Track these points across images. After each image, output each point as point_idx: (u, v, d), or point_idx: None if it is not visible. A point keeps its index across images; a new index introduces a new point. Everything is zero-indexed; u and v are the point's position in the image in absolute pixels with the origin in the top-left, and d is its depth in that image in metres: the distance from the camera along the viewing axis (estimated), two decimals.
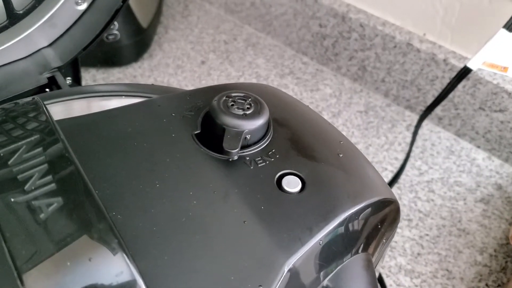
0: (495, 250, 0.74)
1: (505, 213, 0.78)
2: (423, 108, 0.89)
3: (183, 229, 0.31)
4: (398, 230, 0.76)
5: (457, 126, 0.87)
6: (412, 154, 0.85)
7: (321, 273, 0.32)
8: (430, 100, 0.87)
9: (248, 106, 0.36)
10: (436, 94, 0.85)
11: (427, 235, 0.75)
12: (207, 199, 0.33)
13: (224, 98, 0.37)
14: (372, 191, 0.36)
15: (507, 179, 0.83)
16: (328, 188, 0.35)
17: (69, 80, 0.55)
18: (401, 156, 0.85)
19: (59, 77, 0.50)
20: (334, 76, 0.98)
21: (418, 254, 0.73)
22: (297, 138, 0.38)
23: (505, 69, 0.65)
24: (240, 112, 0.36)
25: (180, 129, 0.37)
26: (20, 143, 0.28)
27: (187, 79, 0.96)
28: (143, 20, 0.99)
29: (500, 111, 0.80)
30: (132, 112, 0.39)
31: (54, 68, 0.51)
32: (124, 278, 0.24)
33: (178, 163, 0.35)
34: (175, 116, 0.38)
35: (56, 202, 0.25)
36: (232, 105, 0.36)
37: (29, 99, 0.32)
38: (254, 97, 0.37)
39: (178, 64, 0.99)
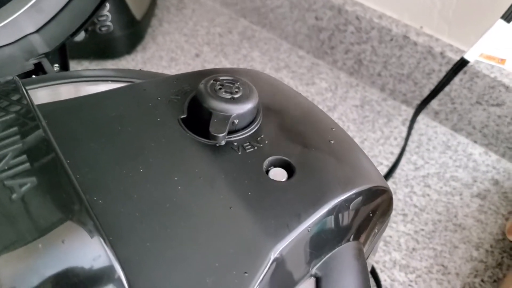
0: (491, 246, 0.73)
1: (502, 208, 0.77)
2: (419, 102, 0.88)
3: (167, 215, 0.30)
4: (393, 224, 0.75)
5: (453, 120, 0.86)
6: (408, 148, 0.84)
7: (310, 261, 0.31)
8: (426, 94, 0.86)
9: (236, 90, 0.35)
10: (433, 88, 0.84)
11: (423, 230, 0.74)
12: (193, 185, 0.32)
13: (212, 81, 0.35)
14: (364, 178, 0.35)
15: (503, 175, 0.82)
16: (318, 174, 0.33)
17: (56, 67, 0.54)
18: (397, 151, 0.84)
19: (46, 64, 0.49)
20: (330, 70, 0.97)
21: (413, 249, 0.72)
22: (287, 124, 0.37)
23: (502, 61, 0.64)
24: (228, 96, 0.35)
25: (166, 113, 0.36)
26: None
27: (181, 72, 0.95)
28: (137, 12, 0.98)
29: (497, 105, 0.79)
30: (117, 96, 0.37)
31: (41, 55, 0.50)
32: (100, 262, 0.23)
33: (163, 148, 0.34)
34: (161, 100, 0.37)
35: (30, 182, 0.24)
36: (220, 88, 0.35)
37: (7, 78, 0.31)
38: (242, 81, 0.36)
39: (172, 56, 0.98)
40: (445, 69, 0.81)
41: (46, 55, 0.50)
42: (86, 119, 0.35)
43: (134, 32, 0.98)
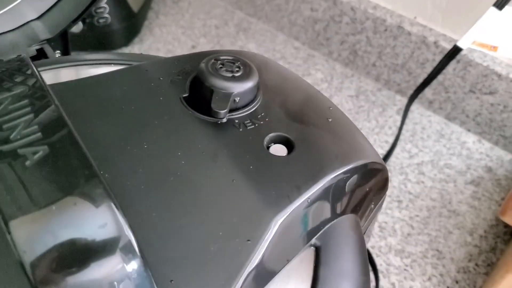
0: (485, 231, 0.74)
1: (495, 194, 0.79)
2: (414, 91, 0.89)
3: (172, 187, 0.31)
4: (388, 211, 0.76)
5: (447, 109, 0.87)
6: (402, 137, 0.86)
7: (309, 231, 0.32)
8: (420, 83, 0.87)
9: (237, 68, 0.36)
10: (427, 76, 0.85)
11: (417, 216, 0.75)
12: (196, 159, 0.33)
13: (213, 60, 0.36)
14: (361, 154, 0.36)
15: (497, 162, 0.83)
16: (316, 149, 0.34)
17: (58, 53, 0.55)
18: (392, 140, 0.85)
19: (48, 49, 0.50)
20: (325, 61, 0.98)
21: (408, 234, 0.73)
22: (286, 103, 0.38)
23: (494, 48, 0.65)
24: (229, 74, 0.36)
25: (168, 92, 0.37)
26: (5, 95, 0.28)
27: None
28: (134, 4, 0.98)
29: (490, 93, 0.81)
30: (119, 76, 0.38)
31: (43, 41, 0.51)
32: (111, 226, 0.24)
33: (166, 125, 0.35)
34: (163, 80, 0.38)
35: (42, 150, 0.25)
36: (221, 67, 0.36)
37: (14, 56, 0.32)
38: (243, 60, 0.37)
39: (169, 48, 0.99)
40: (439, 58, 0.83)
41: (48, 41, 0.51)
42: (90, 99, 0.36)
43: (131, 25, 0.99)
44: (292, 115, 0.37)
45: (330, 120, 0.37)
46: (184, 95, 0.36)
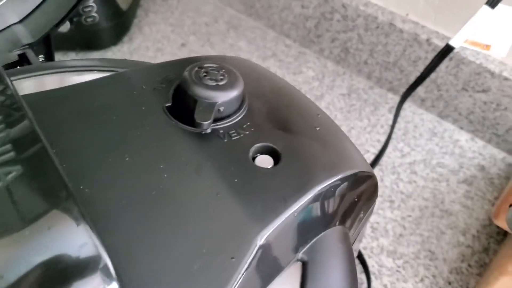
0: (477, 231, 0.74)
1: (488, 194, 0.78)
2: (405, 90, 0.88)
3: (153, 202, 0.30)
4: (380, 211, 0.75)
5: (440, 107, 0.87)
6: (394, 136, 0.85)
7: (296, 246, 0.31)
8: (412, 81, 0.87)
9: (221, 77, 0.35)
10: (419, 75, 0.85)
11: (410, 216, 0.75)
12: (179, 172, 0.32)
13: (196, 68, 0.35)
14: (349, 164, 0.35)
15: (490, 160, 0.83)
16: (304, 160, 0.34)
17: (41, 58, 0.54)
18: (384, 138, 0.84)
19: (31, 54, 0.49)
20: (317, 59, 0.97)
21: (400, 235, 0.73)
22: (273, 111, 0.37)
23: (487, 47, 0.64)
24: (213, 83, 0.35)
25: (150, 101, 0.36)
26: None
27: None
28: (123, 2, 0.97)
29: (483, 91, 0.80)
30: (101, 85, 0.37)
31: (25, 45, 0.49)
32: (87, 249, 0.23)
33: (149, 136, 0.34)
34: (146, 88, 0.37)
35: (15, 170, 0.24)
36: (205, 75, 0.35)
37: None
38: (227, 68, 0.36)
39: (158, 47, 0.98)
40: (431, 56, 0.82)
41: (31, 45, 0.50)
42: (71, 109, 0.35)
43: (120, 23, 0.98)
44: (279, 124, 0.36)
45: (318, 128, 0.36)
46: (167, 104, 0.35)
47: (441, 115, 0.87)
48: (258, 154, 0.34)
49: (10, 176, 0.24)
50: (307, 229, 0.32)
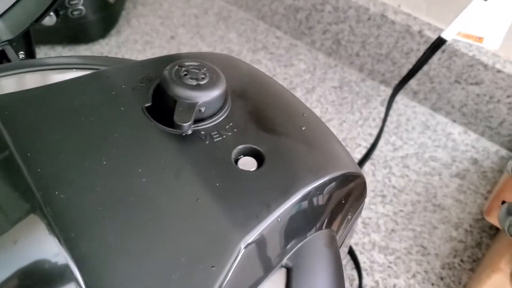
0: (470, 226, 0.73)
1: (481, 188, 0.78)
2: (397, 83, 0.87)
3: (131, 209, 0.29)
4: (372, 206, 0.74)
5: (432, 100, 0.86)
6: (386, 129, 0.84)
7: (280, 252, 0.30)
8: (405, 74, 0.85)
9: (202, 76, 0.34)
10: (411, 67, 0.83)
11: (402, 211, 0.74)
12: (158, 176, 0.30)
13: (177, 67, 0.34)
14: (336, 165, 0.34)
15: (483, 154, 0.82)
16: (288, 162, 0.32)
17: (21, 54, 0.52)
18: (376, 132, 0.83)
19: (10, 51, 0.47)
20: (308, 51, 0.96)
21: (392, 230, 0.72)
22: (257, 111, 0.35)
23: (480, 39, 0.63)
24: (194, 82, 0.33)
25: (129, 102, 0.34)
26: None
27: (156, 55, 0.93)
28: None
29: (476, 84, 0.79)
30: (79, 85, 0.36)
31: (4, 42, 0.48)
32: (55, 262, 0.22)
33: (127, 138, 0.32)
34: (125, 88, 0.35)
35: None
36: (185, 75, 0.34)
37: None
38: (209, 67, 0.35)
39: (147, 40, 0.96)
40: (423, 48, 0.81)
41: (10, 42, 0.48)
42: (47, 110, 0.33)
43: (107, 16, 0.96)
44: (263, 124, 0.34)
45: (303, 128, 0.35)
46: (147, 105, 0.34)
47: (434, 108, 0.86)
48: (241, 156, 0.33)
49: None
50: (292, 234, 0.31)
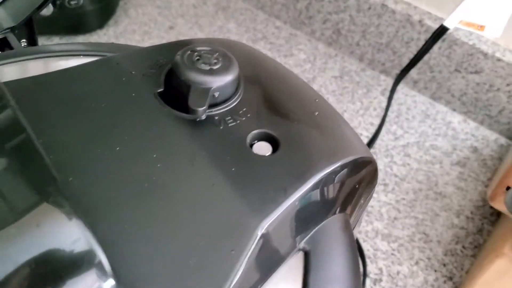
0: (471, 212, 0.74)
1: (481, 175, 0.78)
2: (398, 72, 0.87)
3: (146, 195, 0.29)
4: (374, 195, 0.75)
5: (432, 89, 0.86)
6: (387, 118, 0.84)
7: (297, 235, 0.30)
8: (405, 63, 0.85)
9: (215, 60, 0.34)
10: (412, 56, 0.83)
11: (404, 199, 0.74)
12: (173, 162, 0.30)
13: (189, 52, 0.34)
14: (349, 150, 0.34)
15: (482, 142, 0.82)
16: (303, 147, 0.32)
17: (24, 42, 0.51)
18: (377, 121, 0.83)
19: (12, 39, 0.47)
20: (308, 41, 0.95)
21: (395, 218, 0.72)
22: (269, 96, 0.35)
23: (481, 27, 0.63)
24: (207, 67, 0.33)
25: (141, 88, 0.34)
26: None
27: None
28: None
29: (476, 72, 0.79)
30: (88, 71, 0.35)
31: (6, 29, 0.47)
32: (79, 246, 0.22)
33: (140, 124, 0.32)
34: (136, 74, 0.35)
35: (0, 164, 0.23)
36: (198, 59, 0.33)
37: None
38: (221, 51, 0.34)
39: (145, 30, 0.95)
40: (423, 37, 0.81)
41: (12, 29, 0.48)
42: (57, 96, 0.33)
43: (105, 6, 0.95)
44: (277, 109, 0.34)
45: (316, 113, 0.35)
46: (159, 90, 0.34)
47: (434, 97, 0.87)
48: (256, 141, 0.32)
49: None
50: (308, 218, 0.31)
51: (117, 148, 0.31)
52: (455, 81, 0.82)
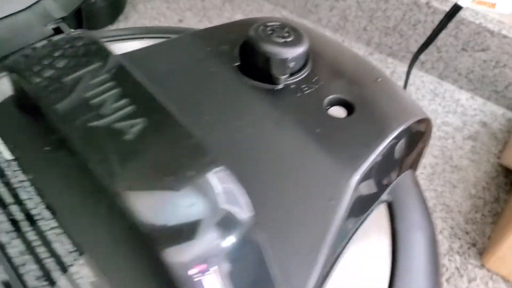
0: (487, 183, 0.77)
1: (492, 148, 0.82)
2: (406, 54, 0.90)
3: (244, 157, 0.31)
4: None
5: (440, 69, 0.89)
6: None
7: (380, 188, 0.33)
8: (413, 46, 0.89)
9: (286, 34, 0.36)
10: (419, 39, 0.87)
11: (422, 173, 0.78)
12: (262, 127, 0.33)
13: (262, 27, 0.36)
14: (414, 111, 0.37)
15: (491, 117, 0.86)
16: (375, 109, 0.35)
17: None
18: None
19: (65, 28, 0.48)
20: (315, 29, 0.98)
21: None
22: (335, 66, 0.38)
23: (493, 5, 0.67)
24: (281, 40, 0.35)
25: (219, 62, 0.36)
26: (82, 71, 0.27)
27: None
28: None
29: (483, 50, 0.83)
30: (163, 50, 0.38)
31: (58, 19, 0.49)
32: (232, 197, 0.24)
33: (225, 95, 0.34)
34: (211, 50, 0.37)
35: (139, 122, 0.25)
36: (271, 33, 0.36)
37: (77, 31, 0.31)
38: (290, 26, 0.37)
39: (155, 24, 0.97)
40: (431, 19, 0.84)
41: (63, 19, 0.49)
42: (144, 71, 0.35)
43: (115, 2, 0.96)
44: (344, 77, 0.37)
45: (379, 80, 0.38)
46: (236, 64, 0.36)
47: (441, 76, 0.90)
48: (331, 106, 0.35)
49: (135, 129, 0.25)
50: (387, 173, 0.34)
51: (206, 118, 0.33)
52: (462, 60, 0.86)
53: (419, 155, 0.37)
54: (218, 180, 0.23)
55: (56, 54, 0.29)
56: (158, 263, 0.22)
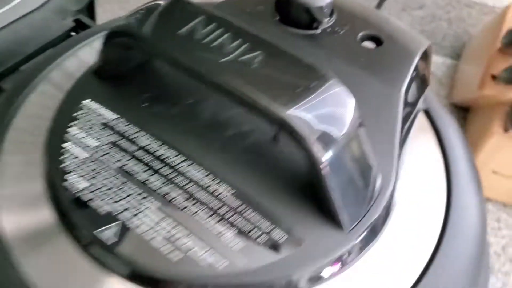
0: None
1: (441, 91, 0.93)
2: None
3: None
4: None
5: None
6: None
7: (417, 98, 0.41)
8: None
9: None
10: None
11: None
12: (321, 63, 0.39)
13: None
14: (424, 40, 0.45)
15: (434, 66, 0.98)
16: (399, 40, 0.43)
17: None
18: None
19: (85, 19, 0.52)
20: None
21: None
22: (353, 12, 0.45)
23: None
24: None
25: (261, 19, 0.42)
26: (192, 23, 0.32)
27: None
28: None
29: (420, 8, 0.94)
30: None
31: (76, 11, 0.52)
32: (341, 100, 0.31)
33: (282, 42, 0.40)
34: (250, 12, 0.43)
35: (258, 55, 0.31)
36: None
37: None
38: None
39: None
40: None
41: (80, 11, 0.53)
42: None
43: None
44: (364, 18, 0.44)
45: (391, 19, 0.45)
46: (277, 18, 0.42)
47: None
48: (362, 41, 0.42)
49: (258, 59, 0.30)
50: (419, 88, 0.41)
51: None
52: (403, 20, 0.97)
53: (429, 73, 0.46)
54: (336, 87, 0.30)
55: (160, 15, 0.33)
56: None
